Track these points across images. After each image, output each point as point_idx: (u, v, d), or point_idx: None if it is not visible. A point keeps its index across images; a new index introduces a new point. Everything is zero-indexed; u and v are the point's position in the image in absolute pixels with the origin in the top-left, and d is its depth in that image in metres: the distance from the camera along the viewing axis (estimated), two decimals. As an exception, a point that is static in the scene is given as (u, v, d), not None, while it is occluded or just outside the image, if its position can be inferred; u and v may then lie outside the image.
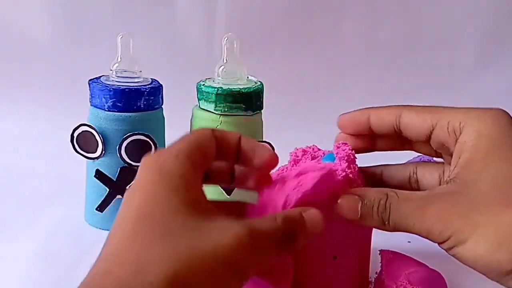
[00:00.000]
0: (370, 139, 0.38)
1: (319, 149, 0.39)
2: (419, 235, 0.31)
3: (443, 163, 0.36)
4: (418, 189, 0.36)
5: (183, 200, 0.27)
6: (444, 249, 0.30)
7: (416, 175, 0.37)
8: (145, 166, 0.29)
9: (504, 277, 0.28)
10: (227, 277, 0.25)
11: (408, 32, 1.01)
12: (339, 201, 0.34)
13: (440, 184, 0.36)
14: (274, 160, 0.33)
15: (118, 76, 0.52)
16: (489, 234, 0.28)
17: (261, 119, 0.54)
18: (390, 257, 0.39)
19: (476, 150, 0.31)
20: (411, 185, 0.37)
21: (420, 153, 0.37)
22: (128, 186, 0.52)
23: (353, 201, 0.33)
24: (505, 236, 0.28)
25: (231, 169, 0.34)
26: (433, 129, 0.33)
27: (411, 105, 0.35)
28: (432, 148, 0.35)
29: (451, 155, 0.33)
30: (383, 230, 0.33)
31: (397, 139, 0.37)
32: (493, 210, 0.29)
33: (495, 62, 1.03)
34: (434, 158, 0.38)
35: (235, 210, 0.34)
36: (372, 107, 0.37)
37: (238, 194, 0.49)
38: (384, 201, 0.32)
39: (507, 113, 0.32)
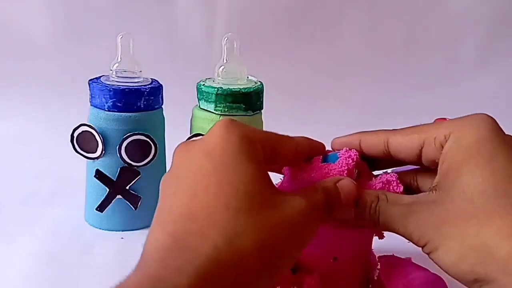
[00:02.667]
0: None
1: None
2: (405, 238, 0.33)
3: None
4: None
5: (260, 173, 0.29)
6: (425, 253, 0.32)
7: (416, 182, 0.38)
8: (225, 125, 0.30)
9: (472, 285, 0.30)
10: (295, 245, 0.29)
11: (408, 32, 1.01)
12: None
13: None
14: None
15: (118, 76, 0.52)
16: (455, 246, 0.30)
17: (261, 119, 0.54)
18: (388, 263, 0.38)
19: (454, 159, 0.32)
20: (413, 192, 0.38)
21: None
22: (129, 186, 0.52)
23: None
24: (468, 248, 0.29)
25: None
26: (422, 148, 0.34)
27: (396, 129, 0.36)
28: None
29: None
30: (376, 229, 0.35)
31: (390, 161, 0.38)
32: (460, 223, 0.30)
33: (495, 61, 1.03)
34: (410, 166, 0.38)
35: None
36: (361, 132, 0.37)
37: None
38: (375, 204, 0.33)
39: (490, 118, 0.33)
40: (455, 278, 0.30)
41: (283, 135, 0.35)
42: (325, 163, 0.36)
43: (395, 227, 0.32)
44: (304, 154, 0.36)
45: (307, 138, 0.37)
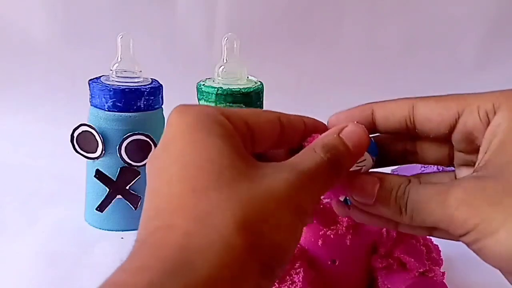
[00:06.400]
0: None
1: None
2: (438, 227, 0.27)
3: (453, 170, 0.32)
4: None
5: (229, 147, 0.25)
6: (465, 243, 0.26)
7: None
8: (177, 111, 0.26)
9: None
10: (288, 217, 0.24)
11: (409, 32, 1.01)
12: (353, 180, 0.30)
13: None
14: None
15: (118, 76, 0.52)
16: None
17: (261, 119, 0.54)
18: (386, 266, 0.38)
19: (510, 132, 0.27)
20: None
21: (427, 161, 0.32)
22: (129, 186, 0.52)
23: (370, 181, 0.29)
24: None
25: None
26: (459, 117, 0.29)
27: (424, 96, 0.31)
28: (445, 150, 0.31)
29: (474, 152, 0.29)
30: (398, 220, 0.28)
31: (403, 140, 0.33)
32: None
33: (495, 62, 1.03)
34: (441, 167, 0.33)
35: None
36: (374, 102, 0.32)
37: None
38: (404, 185, 0.28)
39: None
40: None
41: (264, 110, 0.30)
42: None
43: (428, 209, 0.26)
44: (299, 131, 0.31)
45: (310, 118, 0.32)
